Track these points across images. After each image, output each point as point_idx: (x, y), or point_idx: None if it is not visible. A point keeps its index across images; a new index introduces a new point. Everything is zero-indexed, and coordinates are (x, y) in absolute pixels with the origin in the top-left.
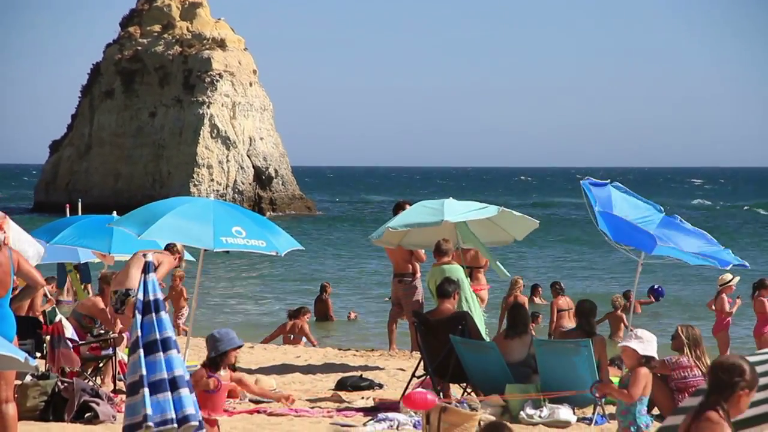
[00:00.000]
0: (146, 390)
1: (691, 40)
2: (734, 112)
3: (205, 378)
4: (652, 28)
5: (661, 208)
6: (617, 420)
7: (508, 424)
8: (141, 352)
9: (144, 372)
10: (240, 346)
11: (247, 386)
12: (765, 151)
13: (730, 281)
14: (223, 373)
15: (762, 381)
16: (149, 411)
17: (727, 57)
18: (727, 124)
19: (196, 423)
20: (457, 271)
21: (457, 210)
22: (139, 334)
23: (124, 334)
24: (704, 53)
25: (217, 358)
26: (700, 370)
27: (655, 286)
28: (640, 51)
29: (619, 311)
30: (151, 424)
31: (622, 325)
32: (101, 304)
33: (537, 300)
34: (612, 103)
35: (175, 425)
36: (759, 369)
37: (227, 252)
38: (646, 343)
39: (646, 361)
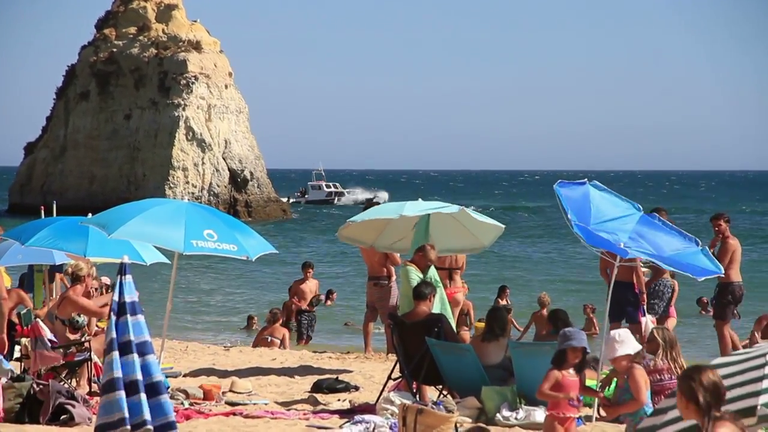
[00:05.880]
0: (122, 392)
1: (690, 42)
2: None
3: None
4: (655, 29)
5: (640, 206)
6: (625, 420)
7: (487, 427)
8: (116, 353)
9: (119, 374)
10: (581, 348)
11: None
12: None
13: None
14: (572, 372)
15: (741, 378)
16: (126, 414)
17: (725, 59)
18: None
19: (176, 430)
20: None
21: (416, 207)
22: (114, 335)
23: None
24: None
25: (560, 356)
26: (675, 372)
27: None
28: (645, 53)
29: (544, 310)
30: (128, 427)
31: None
32: (82, 301)
33: (501, 302)
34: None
35: (151, 427)
36: (739, 367)
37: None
38: (628, 342)
39: (636, 356)
